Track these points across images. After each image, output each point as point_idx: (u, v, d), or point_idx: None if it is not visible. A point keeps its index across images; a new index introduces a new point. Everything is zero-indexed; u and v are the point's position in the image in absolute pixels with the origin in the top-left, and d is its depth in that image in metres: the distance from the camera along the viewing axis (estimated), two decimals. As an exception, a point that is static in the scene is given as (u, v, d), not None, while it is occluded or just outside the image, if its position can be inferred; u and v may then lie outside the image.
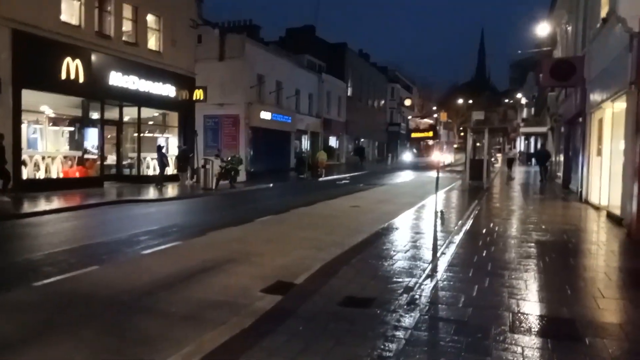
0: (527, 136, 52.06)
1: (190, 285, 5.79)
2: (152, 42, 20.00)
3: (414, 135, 51.19)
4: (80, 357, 3.85)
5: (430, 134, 49.67)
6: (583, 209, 13.01)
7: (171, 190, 17.54)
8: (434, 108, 69.28)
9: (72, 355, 3.89)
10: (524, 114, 58.08)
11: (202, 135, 25.22)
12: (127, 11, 18.53)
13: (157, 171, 18.69)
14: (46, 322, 4.59)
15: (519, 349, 3.67)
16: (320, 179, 25.86)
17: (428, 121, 52.02)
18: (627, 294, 5.26)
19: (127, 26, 18.62)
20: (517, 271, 6.04)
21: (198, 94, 22.11)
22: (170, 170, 20.28)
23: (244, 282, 5.90)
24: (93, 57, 16.66)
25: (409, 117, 55.72)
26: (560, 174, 23.65)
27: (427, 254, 6.98)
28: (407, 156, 46.62)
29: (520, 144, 58.68)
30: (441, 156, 38.35)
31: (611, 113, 11.70)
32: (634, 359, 3.58)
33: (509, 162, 30.42)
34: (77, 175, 16.71)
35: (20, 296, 5.38)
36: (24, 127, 14.93)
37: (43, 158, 15.77)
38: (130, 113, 19.67)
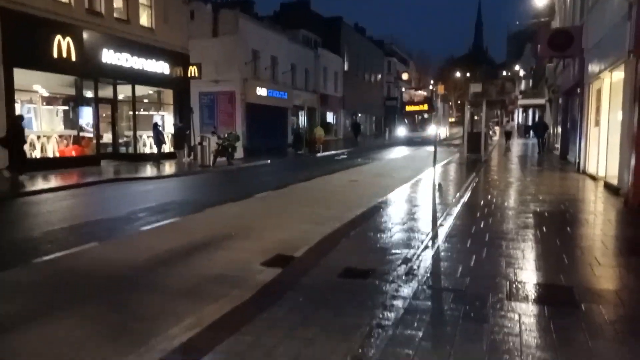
0: (525, 108, 51.82)
1: (190, 261, 5.82)
2: (144, 19, 19.66)
3: (408, 108, 45.08)
4: (82, 334, 3.88)
5: (425, 106, 43.48)
6: (580, 179, 13.05)
7: (168, 167, 17.50)
8: (431, 82, 68.61)
9: (74, 331, 3.92)
10: (522, 86, 57.72)
11: (198, 112, 25.06)
12: (118, -13, 18.16)
13: (154, 149, 18.61)
14: (47, 299, 4.62)
15: (516, 316, 3.72)
16: (318, 154, 25.81)
17: (422, 93, 45.68)
18: (623, 262, 5.30)
19: (118, 3, 18.27)
20: (514, 241, 6.08)
21: (192, 70, 21.85)
22: (167, 147, 20.20)
23: (243, 257, 5.93)
24: (85, 35, 16.40)
25: (402, 89, 50.65)
26: (558, 145, 23.64)
27: (426, 226, 7.01)
28: (401, 131, 42.78)
29: (518, 117, 58.48)
30: (438, 130, 37.37)
31: (609, 83, 11.62)
32: (629, 323, 3.63)
33: (507, 135, 30.85)
34: (74, 154, 16.64)
35: (20, 273, 5.40)
36: (17, 106, 14.77)
37: (38, 137, 15.67)
38: (124, 91, 19.47)
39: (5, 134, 13.00)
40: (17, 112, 14.74)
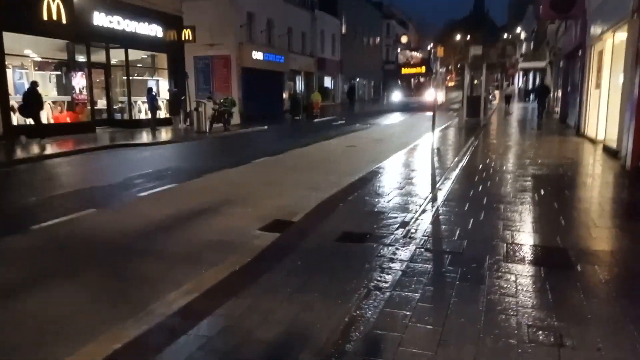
0: (526, 72, 51.15)
1: (188, 227, 5.82)
2: (136, -20, 19.04)
3: (404, 71, 39.73)
4: (81, 299, 3.90)
5: (422, 69, 39.23)
6: (580, 142, 13.00)
7: (164, 134, 17.36)
8: (431, 44, 67.29)
9: (74, 298, 3.94)
10: (523, 49, 56.78)
11: (193, 77, 24.64)
12: (107, -55, 17.50)
13: (149, 115, 18.41)
14: (45, 266, 4.64)
15: (512, 277, 3.74)
16: (316, 120, 25.59)
17: (419, 55, 42.16)
18: (619, 223, 5.33)
19: (108, -37, 17.66)
20: (512, 204, 6.08)
21: (187, 33, 21.36)
22: (163, 113, 19.98)
23: (241, 223, 5.93)
24: (74, -4, 15.92)
25: (398, 50, 45.39)
26: (557, 108, 23.46)
27: (423, 190, 7.00)
28: (396, 95, 38.41)
29: (519, 80, 57.83)
30: (436, 94, 34.61)
31: (611, 45, 11.40)
32: (623, 283, 3.67)
33: (507, 98, 31.02)
34: (68, 120, 16.45)
35: (18, 240, 5.40)
36: (9, 72, 14.50)
37: (32, 104, 15.42)
38: (117, 55, 19.09)
39: (22, 101, 13.46)
40: (9, 77, 14.50)
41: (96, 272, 4.45)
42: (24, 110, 13.48)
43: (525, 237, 4.76)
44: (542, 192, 6.82)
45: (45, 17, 14.83)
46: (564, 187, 7.21)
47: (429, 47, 43.46)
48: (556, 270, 3.89)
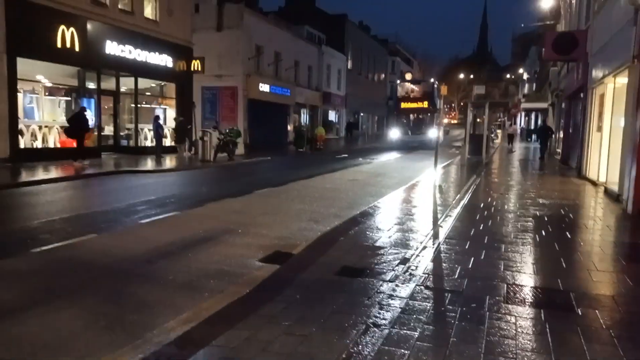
0: (528, 112, 51.77)
1: (189, 255, 5.82)
2: (149, 11, 19.64)
3: (403, 105, 35.36)
4: (79, 324, 3.88)
5: (425, 104, 34.58)
6: (581, 184, 13.04)
7: (169, 161, 17.50)
8: (432, 79, 68.22)
9: (72, 322, 3.92)
10: (526, 89, 57.62)
11: (200, 106, 25.03)
12: (123, -22, 18.13)
13: (155, 142, 18.60)
14: (45, 289, 4.63)
15: (513, 319, 3.72)
16: (319, 153, 25.79)
17: (421, 87, 35.67)
18: (621, 267, 5.30)
19: (123, -6, 18.24)
20: (513, 244, 6.08)
21: (195, 64, 21.82)
22: (168, 141, 20.20)
23: (242, 252, 5.93)
24: (89, 26, 16.39)
25: (398, 82, 39.05)
26: (559, 150, 23.62)
27: (425, 227, 7.01)
28: (394, 133, 33.83)
29: (521, 120, 58.46)
30: (439, 132, 31.83)
31: (613, 88, 11.60)
32: (624, 328, 3.63)
33: (510, 137, 32.14)
34: (75, 145, 16.61)
35: (18, 263, 5.41)
36: (20, 96, 14.78)
37: (40, 128, 15.68)
38: (127, 83, 19.46)
39: (68, 125, 14.70)
40: (20, 101, 14.77)
41: (94, 297, 4.44)
42: (70, 132, 14.56)
43: (525, 279, 4.74)
44: (543, 233, 6.82)
45: (58, 45, 15.22)
46: (565, 229, 7.21)
47: (432, 80, 37.25)
48: (557, 313, 3.87)
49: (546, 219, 7.89)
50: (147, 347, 3.26)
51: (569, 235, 6.82)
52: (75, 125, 14.35)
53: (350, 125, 41.26)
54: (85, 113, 14.88)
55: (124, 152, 19.10)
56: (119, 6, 17.96)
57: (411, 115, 35.67)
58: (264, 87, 28.42)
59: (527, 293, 4.32)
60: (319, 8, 44.32)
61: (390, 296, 4.16)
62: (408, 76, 62.04)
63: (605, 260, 5.58)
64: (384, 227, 6.96)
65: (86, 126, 14.83)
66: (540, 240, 6.39)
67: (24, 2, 14.11)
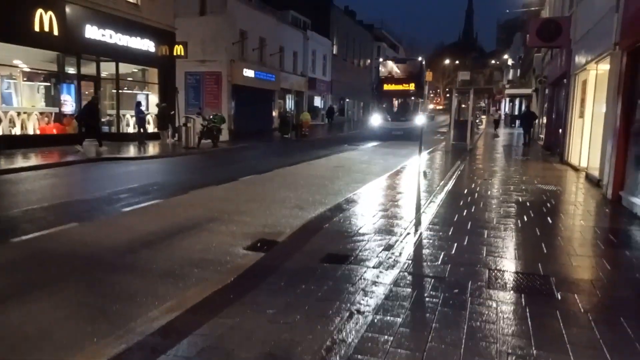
0: (512, 98, 52.22)
1: (172, 243, 5.78)
2: (130, -6, 19.18)
3: (386, 87, 28.26)
4: (61, 315, 3.84)
5: (411, 86, 27.85)
6: (563, 170, 13.22)
7: (152, 148, 17.28)
8: (420, 57, 68.07)
9: (53, 312, 3.88)
10: (510, 75, 58.03)
11: (183, 92, 24.69)
12: (102, -40, 17.65)
13: (137, 129, 18.34)
14: (25, 279, 4.56)
15: (494, 304, 3.77)
16: (304, 139, 25.71)
17: (407, 66, 29.19)
18: (600, 252, 5.40)
19: (103, -24, 17.77)
20: (495, 230, 6.15)
21: (178, 49, 21.47)
22: (151, 128, 19.93)
23: (226, 240, 5.91)
24: (67, 9, 15.97)
25: (380, 60, 31.67)
26: (542, 135, 23.90)
27: (409, 213, 7.05)
28: (375, 120, 27.51)
29: (505, 106, 58.93)
30: (424, 117, 28.30)
31: (595, 75, 11.72)
32: (602, 311, 3.71)
33: (496, 123, 32.93)
34: (55, 132, 16.33)
35: (-2, 253, 5.31)
36: (-4, 81, 14.41)
37: (18, 114, 15.34)
38: (108, 69, 19.08)
39: (78, 113, 15.76)
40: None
41: (76, 287, 4.39)
42: (81, 120, 15.45)
43: (507, 264, 4.81)
44: (525, 218, 6.91)
45: (36, 29, 14.83)
46: (547, 214, 7.31)
47: (419, 58, 30.95)
48: (537, 298, 3.93)
49: (528, 204, 7.99)
50: (130, 337, 3.24)
51: (550, 221, 6.92)
52: (86, 113, 15.27)
53: (331, 110, 39.17)
54: (97, 104, 15.93)
55: (106, 138, 18.75)
56: (99, -11, 17.51)
57: (394, 100, 28.43)
58: (249, 73, 28.13)
59: (509, 278, 4.38)
60: (304, -8, 43.80)
61: (374, 283, 4.19)
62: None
63: (585, 245, 5.68)
64: (368, 213, 6.98)
65: (97, 115, 15.83)
66: (522, 225, 6.47)
67: (0, -16, 13.69)
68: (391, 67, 28.59)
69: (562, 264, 4.88)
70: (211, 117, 18.89)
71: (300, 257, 4.90)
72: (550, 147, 19.37)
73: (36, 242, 5.68)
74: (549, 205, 8.11)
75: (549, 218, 7.06)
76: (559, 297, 3.95)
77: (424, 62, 29.99)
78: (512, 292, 4.05)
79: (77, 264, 4.98)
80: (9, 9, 13.95)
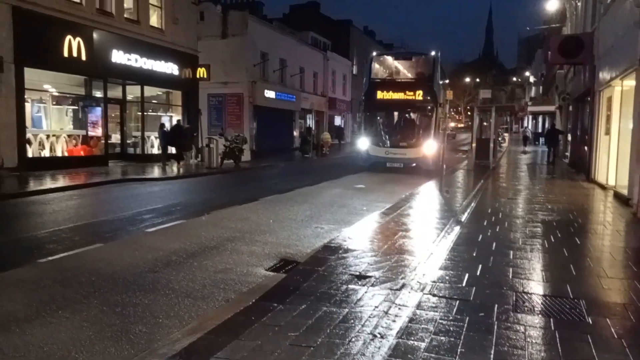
0: (535, 115, 51.58)
1: (194, 263, 5.81)
2: (154, 19, 19.77)
3: (380, 95, 17.90)
4: (84, 335, 3.87)
5: (418, 94, 17.54)
6: (590, 188, 12.92)
7: (175, 169, 17.54)
8: (433, 52, 67.68)
9: (77, 333, 3.91)
10: (532, 92, 57.47)
11: (206, 113, 25.12)
12: (129, -13, 18.30)
13: (161, 150, 18.69)
14: (51, 299, 4.62)
15: (522, 328, 3.66)
16: (325, 158, 25.78)
17: (413, 66, 19.93)
18: (631, 274, 5.22)
19: (128, 3, 18.38)
20: (521, 250, 6.01)
21: (201, 72, 21.92)
22: (174, 149, 20.28)
23: (248, 260, 5.91)
24: (95, 35, 16.51)
25: (373, 54, 19.56)
26: (568, 153, 23.46)
27: (431, 233, 6.95)
28: (363, 143, 18.35)
29: (528, 123, 58.19)
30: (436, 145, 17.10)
31: (620, 91, 11.51)
32: (637, 336, 3.56)
33: (524, 139, 36.22)
34: (82, 153, 16.73)
35: (25, 273, 5.41)
36: (27, 105, 14.90)
37: (47, 137, 15.79)
38: (133, 91, 19.58)
39: (169, 134, 18.28)
40: (28, 110, 14.89)
41: (100, 308, 4.43)
42: (171, 141, 18.07)
43: (535, 286, 4.68)
44: (552, 238, 6.74)
45: (65, 54, 15.34)
46: (575, 234, 7.12)
47: (431, 54, 18.74)
48: (567, 322, 3.80)
49: (555, 224, 7.81)
50: (152, 358, 3.24)
51: (578, 241, 6.74)
52: (175, 135, 17.94)
53: (308, 131, 29.47)
54: (182, 126, 18.90)
55: (131, 159, 19.19)
56: (125, 15, 18.09)
57: (393, 115, 19.88)
58: (270, 94, 28.48)
59: (537, 301, 4.26)
60: (323, 14, 44.47)
61: (397, 305, 4.11)
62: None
63: (615, 267, 5.50)
64: (391, 233, 6.91)
65: (182, 136, 18.27)
66: (549, 246, 6.31)
67: (32, 13, 14.24)
68: (389, 64, 19.62)
69: (592, 287, 4.72)
70: (233, 137, 19.13)
71: (321, 278, 4.86)
72: (576, 164, 18.98)
73: (62, 263, 5.77)
74: (576, 224, 7.91)
75: (576, 238, 6.88)
76: (590, 322, 3.82)
77: (438, 60, 18.66)
78: (540, 315, 3.93)
79: (101, 284, 5.03)
80: (40, 37, 14.49)
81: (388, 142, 18.01)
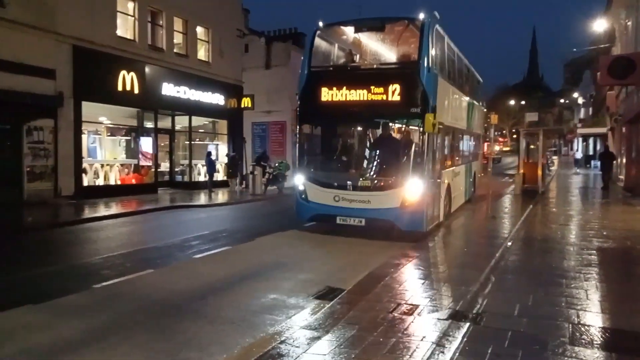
0: (585, 137, 49.70)
1: (240, 290, 5.88)
2: (202, 53, 20.63)
3: (326, 96, 9.46)
4: None
5: (394, 92, 8.72)
6: (648, 213, 12.24)
7: (221, 196, 17.95)
8: (484, 110, 66.82)
9: (127, 358, 4.03)
10: (581, 114, 55.53)
11: (250, 141, 25.70)
12: (178, 24, 19.22)
13: (207, 177, 19.22)
14: (104, 324, 4.79)
15: (580, 363, 3.48)
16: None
17: (387, 38, 10.86)
18: (700, 306, 4.88)
19: (178, 38, 19.30)
20: (576, 280, 5.74)
21: (246, 101, 22.55)
22: (220, 176, 20.81)
23: (292, 287, 5.93)
24: (147, 69, 17.38)
25: (319, 24, 9.92)
26: (622, 176, 22.41)
27: (480, 261, 6.77)
28: (299, 180, 10.08)
29: (579, 146, 56.14)
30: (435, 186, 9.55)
31: (678, 111, 10.97)
32: None
33: (576, 161, 34.08)
34: (133, 182, 17.43)
35: (80, 299, 5.64)
36: (84, 137, 15.74)
37: (102, 166, 16.57)
38: (181, 121, 20.34)
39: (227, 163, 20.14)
40: (84, 141, 15.76)
41: (149, 333, 4.55)
42: (229, 170, 19.76)
43: (591, 318, 4.45)
44: (609, 267, 6.42)
45: (119, 88, 16.21)
46: (633, 262, 6.75)
47: (420, 16, 8.75)
48: (628, 357, 3.59)
49: (611, 251, 7.43)
50: (200, 385, 3.28)
51: (637, 270, 6.38)
52: (231, 165, 19.62)
53: (263, 157, 24.74)
54: (236, 157, 19.97)
55: (179, 187, 19.80)
56: (175, 50, 18.99)
57: (349, 133, 11.30)
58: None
59: (594, 334, 4.05)
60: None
61: (446, 336, 4.01)
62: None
63: (681, 298, 5.16)
64: (437, 262, 6.78)
65: (238, 165, 19.86)
66: (605, 275, 6.01)
67: (90, 51, 15.19)
68: (345, 41, 11.24)
69: (656, 319, 4.45)
70: (277, 164, 19.45)
71: (367, 306, 4.81)
72: (632, 188, 18.06)
73: (115, 288, 5.99)
74: (634, 252, 7.50)
75: (635, 267, 6.52)
76: (655, 357, 3.59)
77: (434, 28, 9.28)
78: (598, 349, 3.73)
79: (150, 310, 5.18)
80: (96, 72, 15.40)
81: (339, 178, 9.73)
